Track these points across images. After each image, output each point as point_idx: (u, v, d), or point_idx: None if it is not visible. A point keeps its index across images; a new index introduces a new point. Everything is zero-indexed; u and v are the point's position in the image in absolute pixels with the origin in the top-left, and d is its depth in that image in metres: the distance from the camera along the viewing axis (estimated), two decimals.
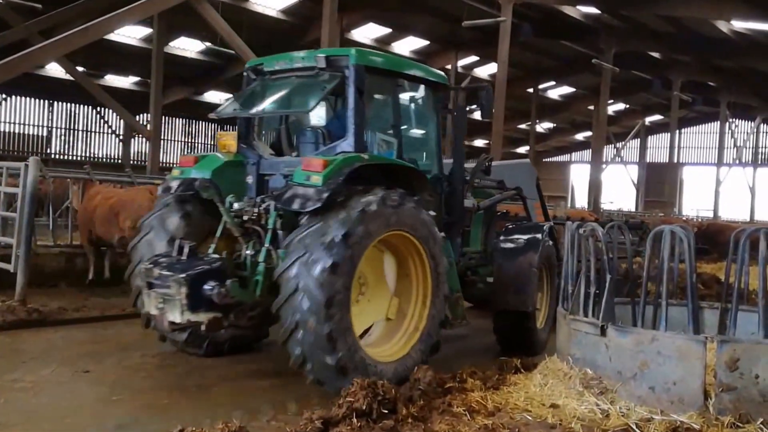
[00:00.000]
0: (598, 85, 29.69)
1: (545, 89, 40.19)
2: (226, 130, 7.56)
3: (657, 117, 48.42)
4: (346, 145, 6.55)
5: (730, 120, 42.98)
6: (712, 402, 5.17)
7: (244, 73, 7.57)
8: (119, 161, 34.98)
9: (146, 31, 26.53)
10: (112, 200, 10.56)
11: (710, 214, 38.04)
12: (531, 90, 37.59)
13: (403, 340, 6.56)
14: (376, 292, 6.57)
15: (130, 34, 27.50)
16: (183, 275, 6.01)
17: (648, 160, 51.79)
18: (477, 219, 8.48)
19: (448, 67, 31.31)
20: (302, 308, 5.71)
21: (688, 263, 5.89)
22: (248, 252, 6.62)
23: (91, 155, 36.11)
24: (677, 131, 38.67)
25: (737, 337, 6.04)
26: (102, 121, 36.92)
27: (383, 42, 30.71)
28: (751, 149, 47.73)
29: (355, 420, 4.98)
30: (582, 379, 5.71)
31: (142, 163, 31.37)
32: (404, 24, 29.08)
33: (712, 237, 21.07)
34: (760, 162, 47.81)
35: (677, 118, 36.22)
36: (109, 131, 37.19)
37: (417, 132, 8.00)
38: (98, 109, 35.79)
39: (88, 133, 36.72)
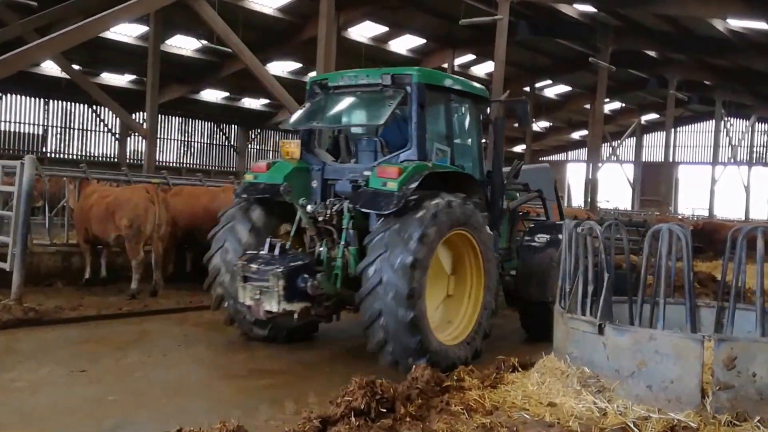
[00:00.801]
0: (594, 83, 29.71)
1: (542, 88, 40.19)
2: (289, 138, 8.51)
3: (653, 116, 48.48)
4: (410, 153, 7.35)
5: (726, 119, 43.02)
6: (710, 400, 5.17)
7: (308, 87, 8.35)
8: (115, 160, 34.85)
9: (142, 29, 26.44)
10: (108, 199, 10.54)
11: (705, 213, 38.11)
12: (527, 89, 37.57)
13: (462, 325, 7.35)
14: (436, 283, 7.25)
15: (126, 32, 27.42)
16: (281, 269, 6.86)
17: (644, 159, 51.91)
18: (503, 218, 9.00)
19: (445, 65, 31.27)
20: (386, 298, 6.52)
21: (686, 262, 5.90)
22: (322, 249, 7.32)
23: (88, 154, 35.93)
24: (673, 130, 38.65)
25: (734, 335, 6.04)
26: (98, 119, 36.71)
27: (380, 40, 30.67)
28: (746, 148, 47.82)
29: (353, 419, 4.97)
30: (579, 378, 5.71)
31: (139, 161, 31.35)
32: (401, 22, 29.06)
33: (708, 236, 21.16)
34: (754, 161, 47.87)
35: (673, 117, 36.24)
36: (106, 130, 37.01)
37: (463, 140, 8.56)
38: (94, 107, 35.61)
39: (84, 132, 36.52)
